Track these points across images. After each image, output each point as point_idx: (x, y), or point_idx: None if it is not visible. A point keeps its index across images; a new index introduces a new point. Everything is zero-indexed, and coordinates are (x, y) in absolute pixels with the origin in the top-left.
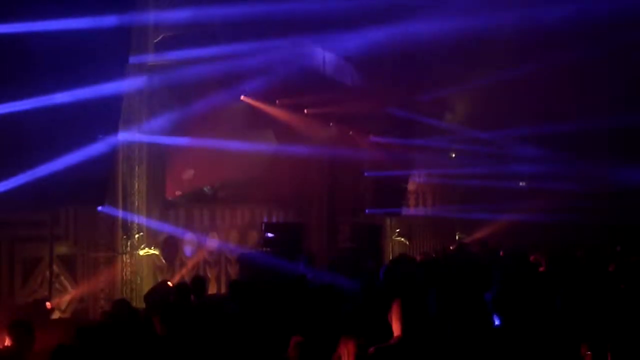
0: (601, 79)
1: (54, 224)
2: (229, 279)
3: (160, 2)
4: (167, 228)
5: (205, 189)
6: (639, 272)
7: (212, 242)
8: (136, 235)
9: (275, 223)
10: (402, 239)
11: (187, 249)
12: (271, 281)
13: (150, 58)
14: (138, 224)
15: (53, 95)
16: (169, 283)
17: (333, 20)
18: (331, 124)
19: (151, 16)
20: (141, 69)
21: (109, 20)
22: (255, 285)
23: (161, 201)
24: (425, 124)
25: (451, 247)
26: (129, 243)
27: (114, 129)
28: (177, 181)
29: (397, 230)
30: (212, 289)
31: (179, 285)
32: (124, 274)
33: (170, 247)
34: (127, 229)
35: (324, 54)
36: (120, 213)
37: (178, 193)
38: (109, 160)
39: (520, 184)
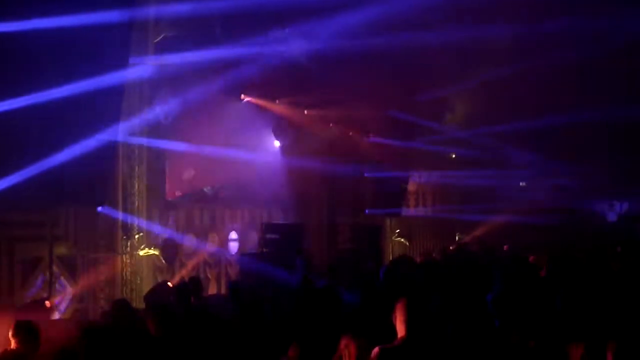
0: (601, 78)
1: (53, 224)
2: (229, 280)
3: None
4: (166, 232)
5: (205, 189)
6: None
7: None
8: (136, 236)
9: (275, 224)
10: (402, 240)
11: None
12: (271, 282)
13: (151, 58)
14: (138, 224)
15: (53, 91)
16: (169, 283)
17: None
18: (331, 124)
19: (151, 11)
20: (141, 67)
21: (109, 16)
22: (255, 287)
23: (161, 201)
24: (425, 125)
25: (451, 248)
26: (128, 243)
27: (113, 129)
28: (177, 181)
29: (397, 231)
30: (212, 290)
31: (179, 286)
32: (123, 274)
33: (170, 247)
34: (127, 229)
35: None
36: (120, 213)
37: (178, 193)
38: (108, 160)
39: (521, 184)
